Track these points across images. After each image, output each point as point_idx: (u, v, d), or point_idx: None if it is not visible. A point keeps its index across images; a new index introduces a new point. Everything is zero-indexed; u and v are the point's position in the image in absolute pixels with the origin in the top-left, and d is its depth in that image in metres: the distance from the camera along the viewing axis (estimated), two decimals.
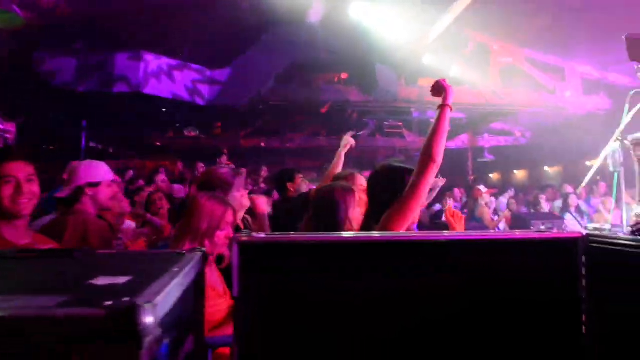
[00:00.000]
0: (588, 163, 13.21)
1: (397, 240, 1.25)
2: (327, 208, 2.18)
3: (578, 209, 8.48)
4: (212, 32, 7.23)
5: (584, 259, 1.34)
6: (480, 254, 1.25)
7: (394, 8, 6.61)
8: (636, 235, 1.23)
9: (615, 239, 1.30)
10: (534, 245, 1.31)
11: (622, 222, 5.51)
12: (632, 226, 1.32)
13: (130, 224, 3.52)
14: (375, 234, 1.60)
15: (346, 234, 1.49)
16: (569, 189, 9.27)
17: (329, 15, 6.78)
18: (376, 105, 9.51)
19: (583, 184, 6.45)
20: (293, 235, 1.27)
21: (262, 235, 1.17)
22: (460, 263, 1.24)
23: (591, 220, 8.43)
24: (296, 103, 9.44)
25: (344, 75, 9.34)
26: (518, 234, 1.37)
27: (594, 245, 1.32)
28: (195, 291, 1.10)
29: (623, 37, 2.84)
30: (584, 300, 1.30)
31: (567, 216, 8.20)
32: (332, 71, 9.42)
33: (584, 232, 1.36)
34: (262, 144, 12.06)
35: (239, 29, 7.30)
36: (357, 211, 2.31)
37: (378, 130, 12.12)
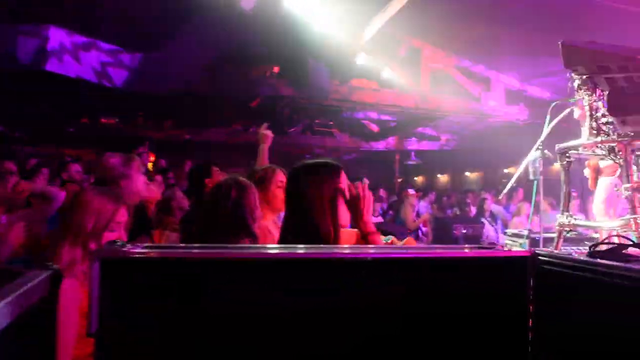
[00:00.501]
0: (506, 170, 13.90)
1: (310, 258, 1.00)
2: (218, 203, 1.93)
3: (491, 214, 8.77)
4: (134, 11, 6.64)
5: (532, 279, 1.18)
6: (423, 271, 1.04)
7: (330, 2, 6.41)
8: (595, 258, 1.05)
9: (567, 260, 1.13)
10: (480, 263, 1.12)
11: (539, 228, 5.57)
12: (589, 247, 1.14)
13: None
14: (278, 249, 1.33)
15: (237, 249, 1.20)
16: (485, 194, 9.60)
17: (261, 4, 6.45)
18: (308, 103, 9.30)
19: (505, 190, 6.54)
20: (180, 248, 0.97)
21: (138, 248, 0.86)
22: (405, 281, 1.03)
23: (507, 226, 8.75)
24: (225, 95, 9.00)
25: (275, 69, 9.01)
26: (458, 251, 1.16)
27: (544, 266, 1.16)
28: (35, 326, 0.77)
29: (559, 42, 2.80)
30: (531, 321, 1.16)
31: (483, 221, 8.44)
32: (264, 64, 9.07)
33: (529, 248, 1.20)
34: (187, 137, 11.44)
35: (165, 10, 6.76)
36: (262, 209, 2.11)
37: (309, 128, 11.93)
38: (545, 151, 5.70)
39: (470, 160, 14.04)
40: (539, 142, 5.82)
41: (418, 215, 8.28)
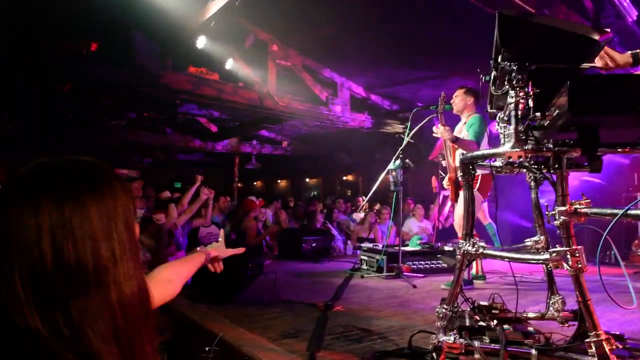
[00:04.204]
0: (345, 177, 13.91)
1: None
2: None
3: (338, 224, 8.34)
4: None
5: None
6: None
7: None
8: None
9: None
10: None
11: (398, 241, 4.92)
12: None
13: None
14: None
15: None
16: (331, 202, 9.15)
17: None
18: (135, 91, 7.66)
19: (366, 200, 5.88)
20: None
21: None
22: None
23: (350, 234, 8.37)
24: (22, 73, 6.85)
25: (93, 46, 7.18)
26: None
27: None
28: None
29: (495, 12, 2.10)
30: None
31: (332, 232, 7.91)
32: (79, 37, 7.17)
33: None
34: None
35: None
36: None
37: (138, 122, 10.11)
38: (407, 160, 5.30)
39: (311, 165, 13.69)
40: (399, 151, 5.38)
41: (265, 225, 7.33)
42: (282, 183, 15.40)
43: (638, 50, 2.13)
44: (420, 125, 4.89)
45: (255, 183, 15.76)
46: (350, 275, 5.18)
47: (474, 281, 4.67)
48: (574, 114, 1.63)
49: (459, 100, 4.81)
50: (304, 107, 8.59)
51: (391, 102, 9.88)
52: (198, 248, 1.69)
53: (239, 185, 12.31)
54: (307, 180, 14.63)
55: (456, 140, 4.42)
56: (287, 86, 8.39)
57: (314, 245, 6.28)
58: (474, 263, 4.82)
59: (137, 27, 6.05)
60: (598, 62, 2.24)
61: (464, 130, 4.80)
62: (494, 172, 2.77)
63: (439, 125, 4.41)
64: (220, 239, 1.82)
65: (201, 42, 6.53)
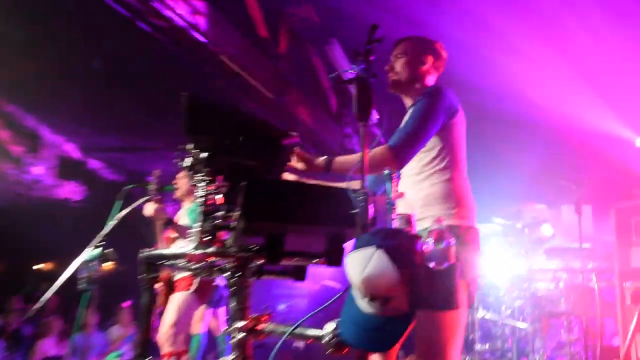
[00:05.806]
0: (37, 266, 12.29)
1: None
2: None
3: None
4: None
5: None
6: None
7: None
8: None
9: None
10: None
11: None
12: None
13: None
14: None
15: None
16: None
17: None
18: None
19: (40, 304, 5.22)
20: None
21: None
22: None
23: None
24: None
25: None
26: None
27: None
28: None
29: (181, 94, 2.14)
30: None
31: None
32: None
33: None
34: None
35: None
36: None
37: None
38: (108, 251, 4.90)
39: None
40: (99, 237, 4.91)
41: None
42: None
43: (333, 158, 2.49)
44: (131, 207, 4.72)
45: None
46: None
47: None
48: (247, 219, 1.75)
49: (183, 182, 4.89)
50: None
51: (116, 172, 9.60)
52: None
53: None
54: None
55: (171, 224, 4.44)
56: None
57: None
58: None
59: None
60: (296, 164, 2.55)
61: (184, 217, 4.85)
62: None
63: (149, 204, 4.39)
64: None
65: None
